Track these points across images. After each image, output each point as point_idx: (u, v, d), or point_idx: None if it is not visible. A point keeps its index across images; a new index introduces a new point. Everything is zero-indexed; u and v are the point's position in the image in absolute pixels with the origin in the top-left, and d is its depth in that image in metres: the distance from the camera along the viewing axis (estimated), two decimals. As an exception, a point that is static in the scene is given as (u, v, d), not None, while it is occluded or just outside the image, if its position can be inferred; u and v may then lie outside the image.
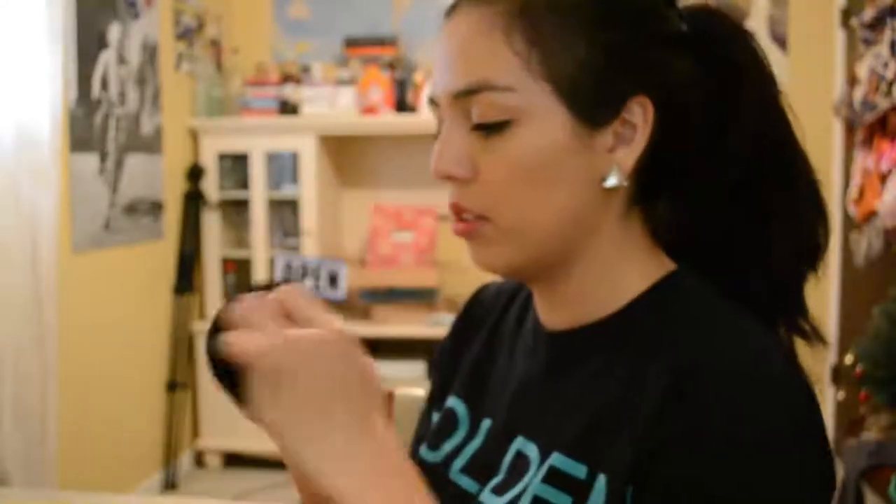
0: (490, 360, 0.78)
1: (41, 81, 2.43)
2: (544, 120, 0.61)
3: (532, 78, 0.61)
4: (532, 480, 0.65)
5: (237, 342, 0.52)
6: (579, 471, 0.62)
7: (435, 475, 0.73)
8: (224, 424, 3.61)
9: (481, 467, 0.72)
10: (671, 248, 0.70)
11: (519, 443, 0.69)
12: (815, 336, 0.68)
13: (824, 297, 3.78)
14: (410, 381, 3.46)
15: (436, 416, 0.82)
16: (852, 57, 3.43)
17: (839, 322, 3.72)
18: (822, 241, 0.68)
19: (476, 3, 0.63)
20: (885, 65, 2.75)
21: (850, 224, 3.34)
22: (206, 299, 3.68)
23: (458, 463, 0.74)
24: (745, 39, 0.67)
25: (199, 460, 3.69)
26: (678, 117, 0.64)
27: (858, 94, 3.01)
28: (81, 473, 2.80)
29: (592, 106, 0.62)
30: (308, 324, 0.54)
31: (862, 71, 2.98)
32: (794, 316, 0.68)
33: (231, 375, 0.55)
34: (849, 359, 2.61)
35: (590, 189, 0.64)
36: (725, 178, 0.66)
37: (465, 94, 0.62)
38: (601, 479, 0.60)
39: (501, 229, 0.64)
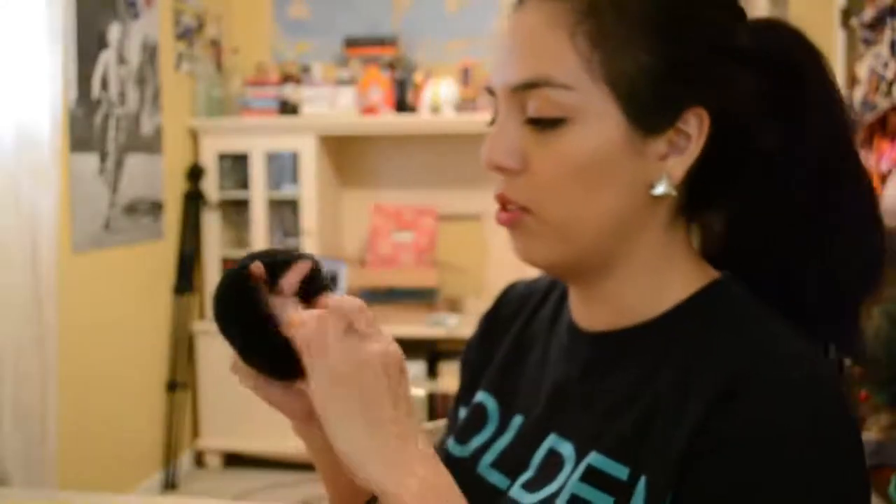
0: (521, 357, 0.78)
1: (41, 81, 2.43)
2: (599, 121, 0.62)
3: (592, 79, 0.61)
4: (569, 479, 0.65)
5: (303, 329, 0.59)
6: (621, 472, 0.62)
7: (463, 470, 0.73)
8: (224, 424, 3.61)
9: (511, 463, 0.72)
10: (717, 257, 0.70)
11: (552, 440, 0.69)
12: (861, 357, 0.71)
13: (824, 297, 3.78)
14: (410, 381, 3.46)
15: (463, 412, 0.83)
16: (852, 57, 3.43)
17: (839, 322, 3.72)
18: (879, 257, 0.67)
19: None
20: (885, 65, 2.75)
21: (850, 224, 3.34)
22: (206, 299, 3.68)
23: (488, 458, 0.74)
24: (812, 55, 0.70)
25: (199, 460, 3.69)
26: (736, 131, 0.64)
27: (858, 94, 3.02)
28: (81, 473, 2.80)
29: (649, 113, 0.62)
30: (367, 335, 0.60)
31: (862, 71, 2.98)
32: (848, 334, 0.69)
33: (253, 333, 0.62)
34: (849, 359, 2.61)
35: (637, 194, 0.64)
36: (789, 191, 0.66)
37: (524, 88, 0.63)
38: (642, 481, 0.60)
39: (543, 223, 0.65)
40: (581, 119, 0.62)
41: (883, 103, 2.77)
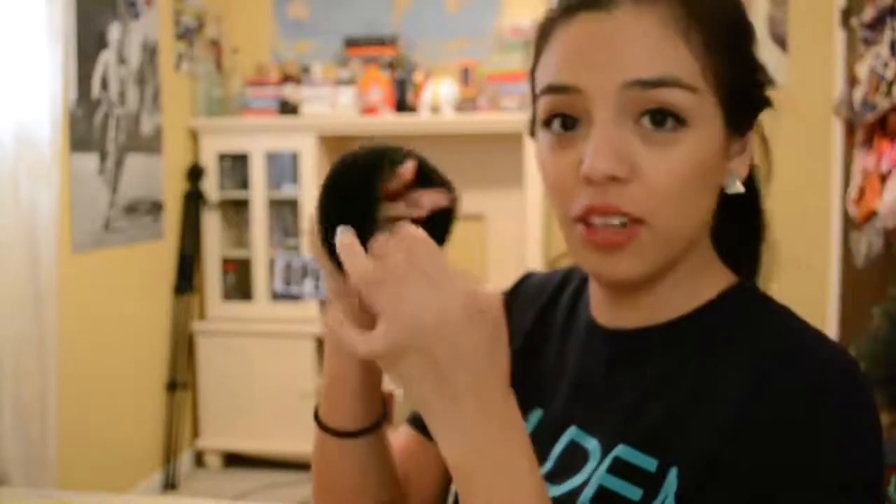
0: (537, 350, 0.78)
1: (41, 81, 2.43)
2: (711, 125, 0.62)
3: (706, 82, 0.61)
4: (596, 471, 0.65)
5: (383, 261, 0.55)
6: (649, 464, 0.62)
7: None
8: (224, 424, 3.61)
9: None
10: None
11: (572, 433, 0.69)
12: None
13: (824, 297, 3.78)
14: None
15: None
16: (852, 57, 3.43)
17: (839, 322, 3.72)
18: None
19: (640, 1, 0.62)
20: (885, 65, 2.75)
21: (850, 224, 3.34)
22: (206, 299, 3.68)
23: None
24: None
25: (199, 460, 3.69)
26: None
27: (858, 94, 3.02)
28: (81, 473, 2.80)
29: (741, 115, 0.65)
30: (450, 277, 0.54)
31: (862, 71, 2.98)
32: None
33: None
34: (849, 359, 2.61)
35: (715, 196, 0.66)
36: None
37: (651, 86, 0.60)
38: (672, 472, 0.60)
39: (658, 234, 0.62)
40: (698, 123, 0.61)
41: (883, 103, 2.77)
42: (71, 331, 2.72)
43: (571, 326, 0.77)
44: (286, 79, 3.71)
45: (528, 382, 0.76)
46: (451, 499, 0.78)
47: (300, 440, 3.56)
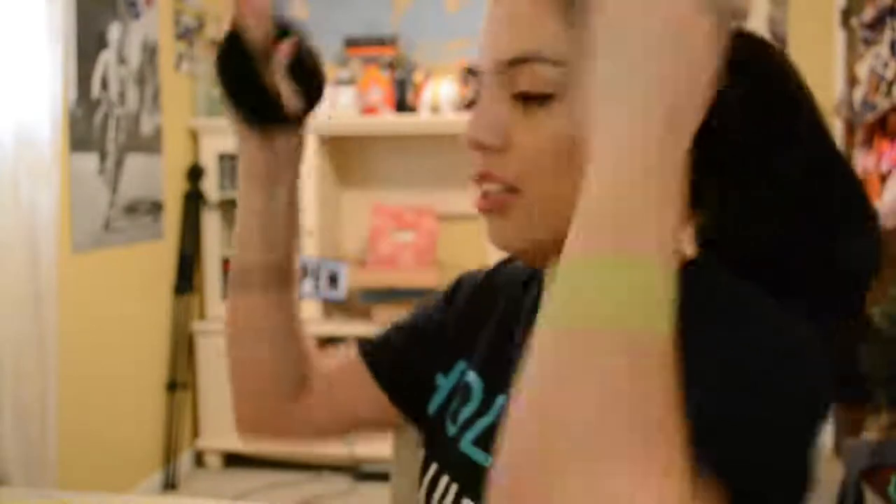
0: (506, 339, 0.78)
1: (41, 81, 2.43)
2: (586, 98, 0.61)
3: (580, 54, 0.57)
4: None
5: None
6: None
7: (452, 446, 0.75)
8: (224, 424, 3.61)
9: (494, 441, 0.72)
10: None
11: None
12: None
13: (824, 297, 3.78)
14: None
15: (443, 380, 0.83)
16: (852, 57, 3.43)
17: (839, 322, 3.71)
18: (876, 246, 0.65)
19: None
20: (885, 65, 2.75)
21: (850, 224, 3.34)
22: (206, 299, 3.68)
23: (470, 435, 0.75)
24: (783, 65, 0.66)
25: (199, 460, 3.69)
26: (713, 135, 0.59)
27: (858, 94, 3.02)
28: (81, 473, 2.80)
29: None
30: None
31: (862, 71, 2.98)
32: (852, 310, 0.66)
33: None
34: (849, 359, 2.61)
35: None
36: (778, 199, 0.64)
37: (513, 64, 0.61)
38: None
39: (532, 202, 0.63)
40: (569, 95, 0.60)
41: (883, 103, 2.77)
42: (71, 331, 2.72)
43: (535, 319, 0.77)
44: (286, 79, 3.71)
45: (497, 372, 0.77)
46: (422, 491, 0.79)
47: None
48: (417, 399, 0.84)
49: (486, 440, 0.73)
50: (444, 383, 0.84)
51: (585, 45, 0.53)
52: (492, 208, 0.65)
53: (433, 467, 0.78)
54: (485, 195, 0.65)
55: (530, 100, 0.61)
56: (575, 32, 0.58)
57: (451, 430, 0.78)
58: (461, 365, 0.83)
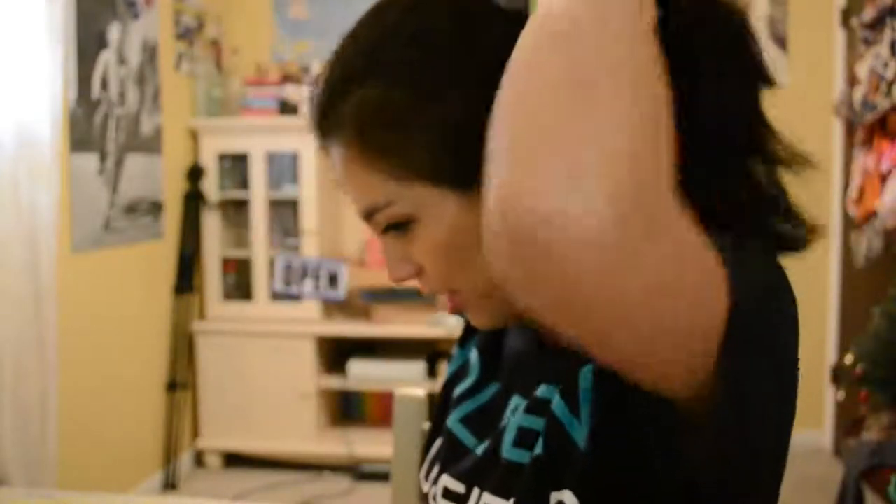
0: (502, 331, 0.81)
1: (41, 81, 2.43)
2: (438, 207, 0.63)
3: (403, 184, 0.62)
4: (514, 417, 0.68)
5: None
6: (552, 393, 0.64)
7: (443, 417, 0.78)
8: (224, 424, 3.61)
9: (479, 424, 0.75)
10: None
11: (515, 400, 0.71)
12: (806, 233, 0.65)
13: (824, 297, 3.78)
14: (410, 381, 3.46)
15: (459, 353, 0.87)
16: (852, 57, 3.43)
17: (839, 322, 3.72)
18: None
19: (327, 141, 0.66)
20: (885, 65, 2.75)
21: (850, 224, 3.34)
22: (206, 299, 3.68)
23: (457, 414, 0.78)
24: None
25: (199, 460, 3.69)
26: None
27: (858, 94, 3.02)
28: (81, 473, 2.80)
29: (465, 174, 0.60)
30: None
31: (862, 71, 2.98)
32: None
33: None
34: (849, 359, 2.61)
35: None
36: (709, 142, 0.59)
37: (367, 217, 0.66)
38: (586, 369, 0.61)
39: (472, 291, 0.67)
40: (423, 215, 0.63)
41: (883, 103, 2.77)
42: (71, 331, 2.72)
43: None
44: (286, 79, 3.71)
45: (494, 358, 0.80)
46: (425, 467, 0.79)
47: (300, 440, 3.56)
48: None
49: (472, 422, 0.76)
50: (458, 356, 0.87)
51: (399, 175, 0.61)
52: (457, 310, 0.69)
53: (437, 442, 0.81)
54: (448, 305, 0.69)
55: (401, 227, 0.65)
56: (385, 173, 0.62)
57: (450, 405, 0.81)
58: (473, 341, 0.85)
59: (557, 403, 0.63)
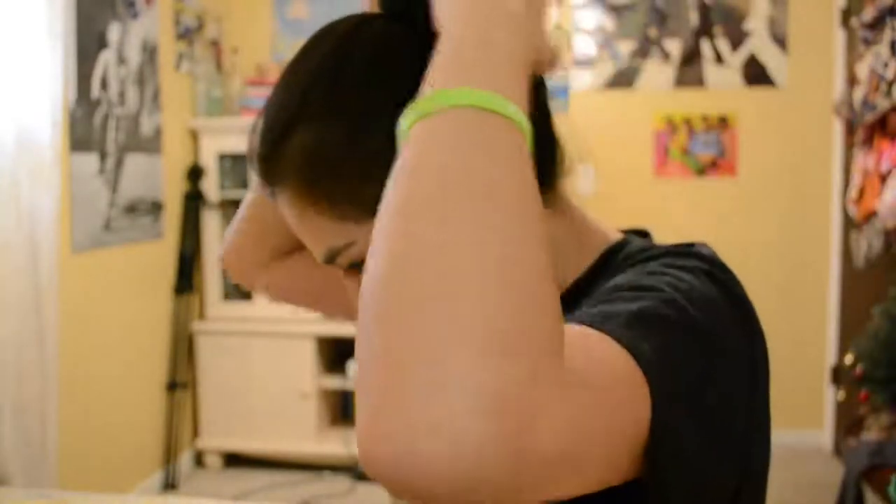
0: None
1: (41, 81, 2.43)
2: None
3: (360, 224, 0.62)
4: None
5: None
6: None
7: None
8: (224, 424, 3.61)
9: None
10: None
11: None
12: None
13: (824, 297, 3.78)
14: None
15: None
16: (852, 57, 3.43)
17: (839, 322, 3.72)
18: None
19: (275, 189, 0.65)
20: (885, 65, 2.75)
21: (850, 224, 3.34)
22: (206, 299, 3.68)
23: None
24: None
25: (199, 460, 3.69)
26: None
27: (858, 94, 3.02)
28: (81, 473, 2.80)
29: None
30: None
31: (862, 71, 2.98)
32: None
33: None
34: (849, 359, 2.62)
35: None
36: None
37: (328, 260, 0.65)
38: None
39: None
40: None
41: (883, 103, 2.77)
42: (71, 331, 2.72)
43: None
44: (286, 79, 3.71)
45: None
46: None
47: (300, 440, 3.56)
48: None
49: None
50: None
51: (355, 216, 0.61)
52: None
53: None
54: None
55: (362, 265, 0.64)
56: (340, 217, 0.62)
57: None
58: None
59: None
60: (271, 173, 0.64)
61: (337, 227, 0.62)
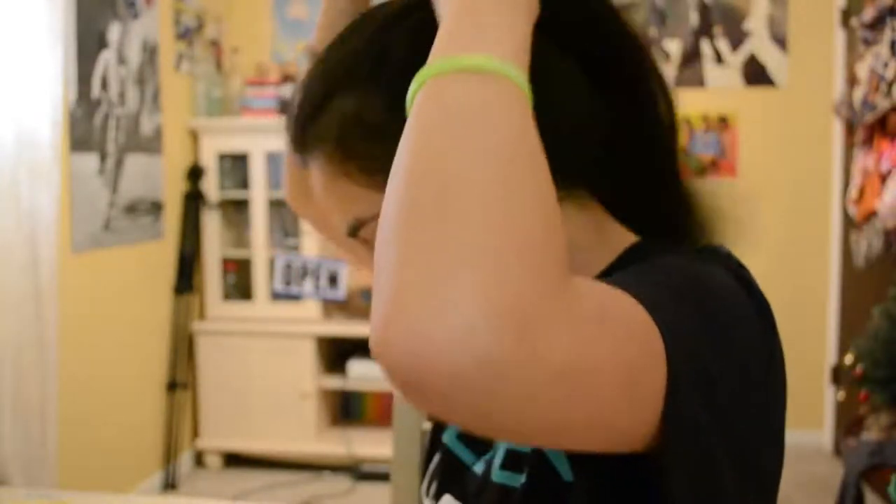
0: None
1: (41, 81, 2.43)
2: None
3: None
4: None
5: None
6: None
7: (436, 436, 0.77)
8: (224, 424, 3.61)
9: (476, 439, 0.73)
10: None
11: None
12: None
13: (824, 297, 3.78)
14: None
15: None
16: (852, 57, 3.43)
17: (839, 322, 3.72)
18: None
19: (307, 157, 0.65)
20: (885, 65, 2.75)
21: (850, 224, 3.34)
22: (206, 299, 3.68)
23: (453, 429, 0.76)
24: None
25: (199, 460, 3.69)
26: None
27: (858, 94, 3.02)
28: (81, 473, 2.80)
29: None
30: None
31: (862, 71, 2.98)
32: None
33: None
34: (849, 359, 2.61)
35: None
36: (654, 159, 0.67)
37: (352, 233, 0.65)
38: None
39: None
40: None
41: (883, 103, 2.77)
42: (71, 331, 2.72)
43: None
44: (286, 79, 3.71)
45: None
46: (425, 482, 0.79)
47: (300, 440, 3.56)
48: None
49: (468, 437, 0.74)
50: None
51: (383, 185, 0.59)
52: None
53: (435, 458, 0.80)
54: None
55: None
56: (369, 185, 0.62)
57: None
58: None
59: None
60: (306, 139, 0.65)
61: (366, 196, 0.62)
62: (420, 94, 0.48)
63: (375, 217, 0.61)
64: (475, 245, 0.40)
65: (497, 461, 0.67)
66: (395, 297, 0.40)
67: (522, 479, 0.63)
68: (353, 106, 0.62)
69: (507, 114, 0.46)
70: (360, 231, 0.64)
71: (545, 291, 0.40)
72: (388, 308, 0.40)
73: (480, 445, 0.73)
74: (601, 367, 0.42)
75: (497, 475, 0.67)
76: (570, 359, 0.40)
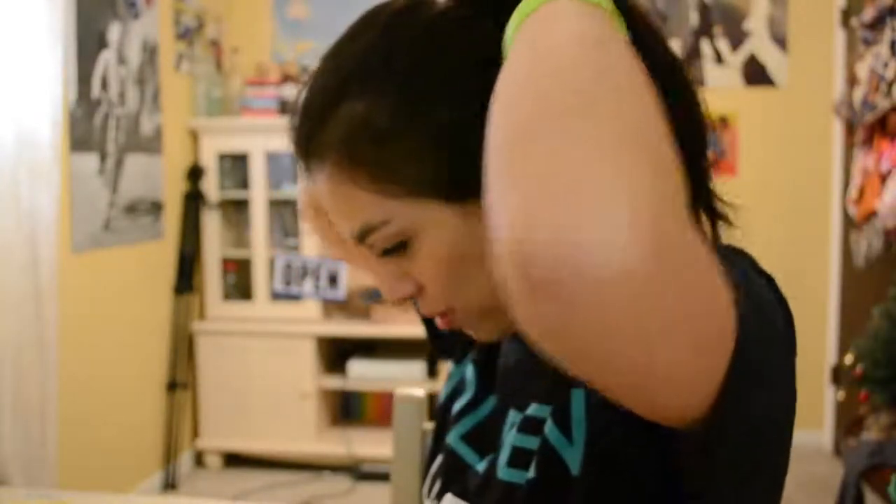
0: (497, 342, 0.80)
1: (41, 81, 2.43)
2: (435, 221, 0.62)
3: (396, 201, 0.61)
4: (509, 434, 0.67)
5: None
6: (545, 412, 0.64)
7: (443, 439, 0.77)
8: (224, 424, 3.61)
9: (481, 441, 0.74)
10: None
11: (511, 416, 0.70)
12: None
13: (824, 297, 3.78)
14: (410, 381, 3.46)
15: (455, 371, 0.86)
16: (852, 57, 3.43)
17: (839, 322, 3.72)
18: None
19: (313, 165, 0.64)
20: (885, 65, 2.75)
21: (850, 224, 3.34)
22: (206, 299, 3.68)
23: (458, 430, 0.77)
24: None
25: (199, 460, 3.69)
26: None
27: (858, 94, 3.02)
28: (81, 473, 2.80)
29: (458, 185, 0.60)
30: None
31: (862, 71, 2.98)
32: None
33: None
34: (849, 359, 2.61)
35: None
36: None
37: (361, 239, 0.64)
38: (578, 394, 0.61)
39: (471, 308, 0.66)
40: (419, 233, 0.62)
41: (883, 103, 2.77)
42: (71, 331, 2.72)
43: None
44: (286, 79, 3.71)
45: (490, 372, 0.79)
46: (427, 483, 0.79)
47: (300, 440, 3.56)
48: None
49: (473, 438, 0.75)
50: (455, 372, 0.87)
51: (392, 192, 0.60)
52: (450, 326, 0.68)
53: (438, 459, 0.80)
54: (443, 322, 0.68)
55: (398, 248, 0.64)
56: (378, 191, 0.61)
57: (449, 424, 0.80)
58: (469, 357, 0.84)
59: (550, 427, 0.63)
60: (312, 146, 0.64)
61: (375, 202, 0.62)
62: (526, 24, 0.48)
63: (384, 223, 0.62)
64: (636, 153, 0.40)
65: (503, 459, 0.67)
66: (548, 184, 0.38)
67: (528, 475, 0.63)
68: (361, 111, 0.61)
69: (619, 42, 0.46)
70: (368, 238, 0.63)
71: (685, 228, 0.39)
72: (535, 198, 0.38)
73: (485, 446, 0.73)
74: (699, 315, 0.40)
75: (503, 472, 0.67)
76: (689, 297, 0.39)
